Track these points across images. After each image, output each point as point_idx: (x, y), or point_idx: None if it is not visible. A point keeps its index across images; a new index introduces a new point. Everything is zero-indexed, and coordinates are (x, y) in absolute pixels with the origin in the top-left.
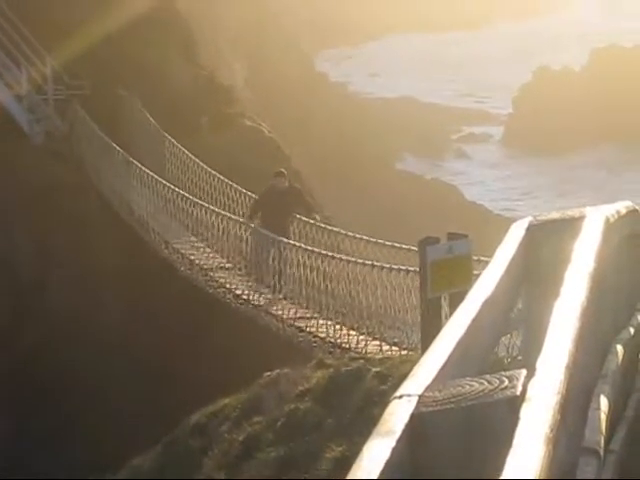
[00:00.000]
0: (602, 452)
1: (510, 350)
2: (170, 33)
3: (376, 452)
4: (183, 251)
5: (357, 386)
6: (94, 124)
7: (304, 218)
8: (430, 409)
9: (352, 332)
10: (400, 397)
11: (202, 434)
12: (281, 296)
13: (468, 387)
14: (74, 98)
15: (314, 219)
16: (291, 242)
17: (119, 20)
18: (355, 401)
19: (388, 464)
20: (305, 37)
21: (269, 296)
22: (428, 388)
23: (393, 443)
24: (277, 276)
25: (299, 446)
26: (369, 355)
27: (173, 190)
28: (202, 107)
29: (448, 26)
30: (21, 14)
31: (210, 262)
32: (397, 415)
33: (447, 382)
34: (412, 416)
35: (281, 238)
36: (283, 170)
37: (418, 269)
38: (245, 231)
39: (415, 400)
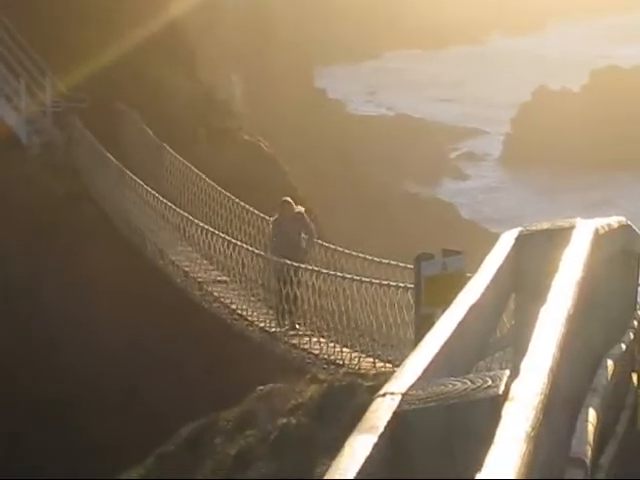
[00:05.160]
0: (589, 463)
1: (503, 364)
2: (170, 48)
3: (357, 448)
4: (178, 263)
5: (350, 401)
6: (92, 136)
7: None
8: (413, 407)
9: (345, 349)
10: (384, 395)
11: (195, 447)
12: (289, 324)
13: (451, 386)
14: (73, 111)
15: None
16: (284, 261)
17: (121, 37)
18: (348, 415)
19: (369, 460)
20: (305, 53)
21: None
22: (412, 387)
23: (375, 439)
24: (288, 303)
25: (291, 460)
26: (362, 371)
27: (167, 205)
28: (200, 121)
29: (448, 41)
30: (22, 27)
31: (206, 275)
32: (380, 412)
33: (430, 381)
34: (395, 413)
35: (284, 260)
36: (288, 199)
37: (412, 285)
38: (238, 251)
39: (398, 398)
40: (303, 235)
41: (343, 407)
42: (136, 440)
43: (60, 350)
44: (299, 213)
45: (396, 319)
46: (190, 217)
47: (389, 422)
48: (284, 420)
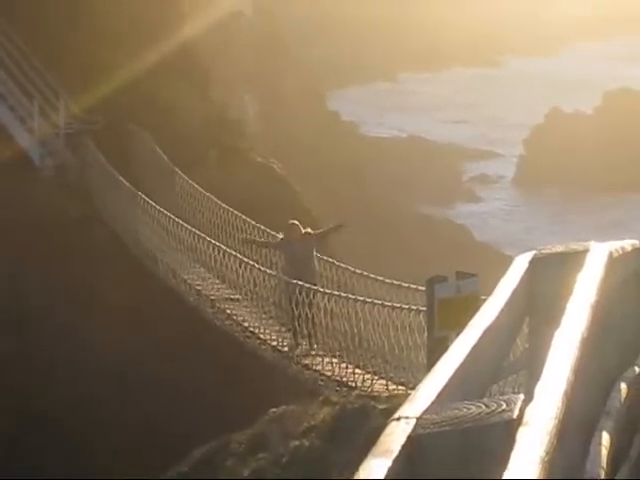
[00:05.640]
0: None
1: (516, 388)
2: (184, 69)
3: (372, 471)
4: (190, 282)
5: (363, 423)
6: (104, 158)
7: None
8: (427, 431)
9: (358, 371)
10: (398, 419)
11: (207, 469)
12: (307, 345)
13: (466, 410)
14: (86, 133)
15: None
16: (296, 282)
17: (135, 58)
18: (361, 438)
19: None
20: (318, 75)
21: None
22: (426, 411)
23: (389, 463)
24: (304, 324)
25: None
26: (375, 393)
27: (179, 224)
28: (212, 142)
29: (461, 63)
30: (36, 49)
31: (218, 293)
32: (394, 436)
33: (445, 405)
34: (409, 437)
35: (295, 281)
36: (296, 222)
37: (426, 308)
38: (250, 270)
39: (413, 422)
40: (316, 253)
41: (356, 430)
42: (147, 461)
43: (71, 367)
44: (307, 233)
45: (408, 342)
46: (202, 234)
47: (404, 446)
48: (296, 442)
